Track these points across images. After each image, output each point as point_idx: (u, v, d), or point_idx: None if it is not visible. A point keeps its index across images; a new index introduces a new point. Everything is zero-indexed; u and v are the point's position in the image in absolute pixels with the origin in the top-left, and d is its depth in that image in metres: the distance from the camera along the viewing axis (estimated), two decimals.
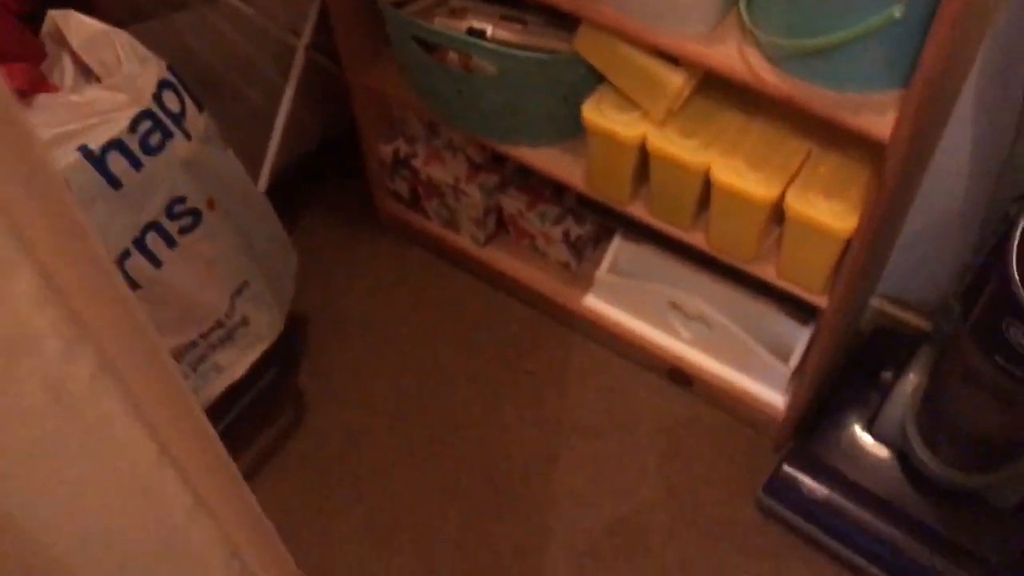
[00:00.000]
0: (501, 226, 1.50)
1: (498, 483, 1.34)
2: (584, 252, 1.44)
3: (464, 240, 1.51)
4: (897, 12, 0.81)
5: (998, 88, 1.04)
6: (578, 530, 1.29)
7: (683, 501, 1.31)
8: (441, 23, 1.17)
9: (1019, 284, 0.84)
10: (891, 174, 0.91)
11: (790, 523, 1.25)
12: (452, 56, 1.18)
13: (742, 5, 0.93)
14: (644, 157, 1.12)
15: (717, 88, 1.08)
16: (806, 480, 1.23)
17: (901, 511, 1.19)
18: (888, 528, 1.19)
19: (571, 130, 1.21)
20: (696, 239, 1.17)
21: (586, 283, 1.42)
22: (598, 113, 1.11)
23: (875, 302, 1.38)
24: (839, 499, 1.21)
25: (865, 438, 1.24)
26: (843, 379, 1.30)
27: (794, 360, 1.26)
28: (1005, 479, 1.14)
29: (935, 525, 1.17)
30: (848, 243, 1.01)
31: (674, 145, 1.07)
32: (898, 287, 1.35)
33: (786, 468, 1.25)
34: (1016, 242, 0.84)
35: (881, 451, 1.23)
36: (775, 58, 0.93)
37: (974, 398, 1.00)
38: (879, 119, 0.89)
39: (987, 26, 0.99)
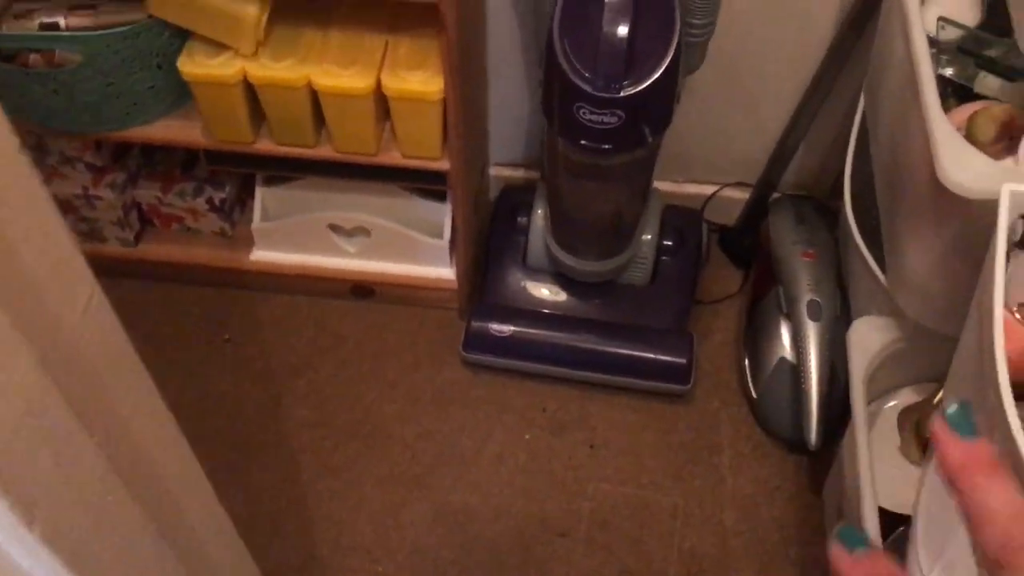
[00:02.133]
0: (146, 220, 1.53)
1: (239, 444, 1.39)
2: (234, 214, 1.52)
3: (113, 247, 1.52)
4: None
5: None
6: (323, 449, 1.39)
7: (402, 390, 1.45)
8: (10, 27, 1.18)
9: (571, 72, 1.04)
10: (451, 31, 1.09)
11: (494, 366, 1.44)
12: (34, 58, 1.20)
13: None
14: (251, 92, 1.22)
15: (291, 10, 1.20)
16: (492, 325, 1.41)
17: (571, 316, 1.41)
18: (566, 334, 1.40)
19: (178, 95, 1.28)
20: (325, 151, 1.29)
21: (247, 241, 1.50)
22: (193, 64, 1.19)
23: (494, 171, 1.59)
24: (523, 328, 1.41)
25: (525, 273, 1.45)
26: (493, 237, 1.50)
27: (446, 233, 1.43)
28: (630, 259, 1.39)
29: (597, 316, 1.41)
30: (443, 104, 1.19)
31: (272, 70, 1.19)
32: (508, 153, 1.57)
33: (474, 323, 1.42)
34: (557, 30, 1.04)
35: (540, 276, 1.44)
36: None
37: (580, 189, 1.23)
38: None
39: None
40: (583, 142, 1.11)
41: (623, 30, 1.02)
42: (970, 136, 0.87)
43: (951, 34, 0.94)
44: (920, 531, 0.91)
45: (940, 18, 0.95)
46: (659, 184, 1.53)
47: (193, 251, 1.52)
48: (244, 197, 1.52)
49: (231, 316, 1.53)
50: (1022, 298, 0.78)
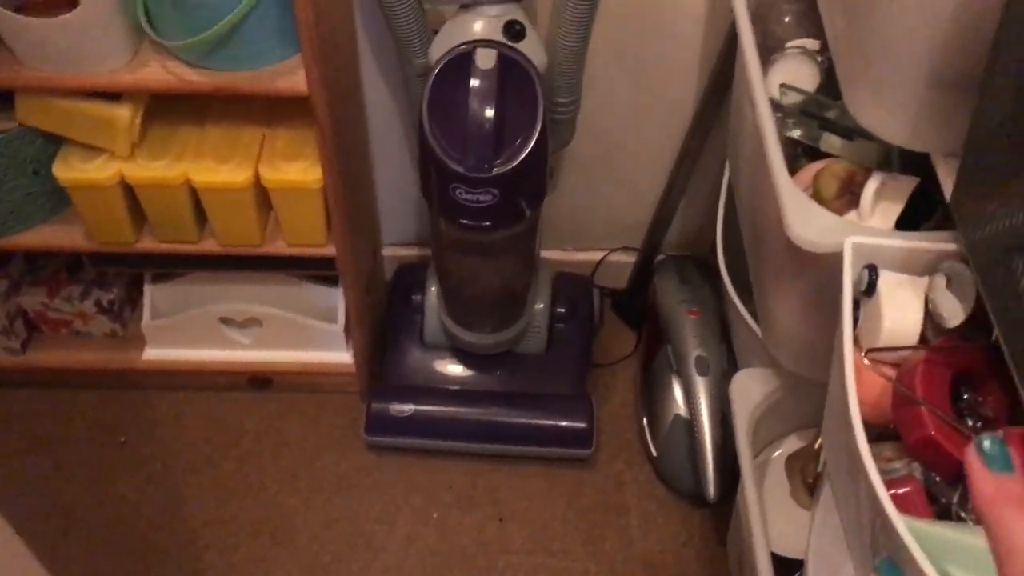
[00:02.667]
0: (33, 327, 1.49)
1: (142, 549, 1.35)
2: (124, 314, 1.50)
3: (0, 356, 1.48)
4: None
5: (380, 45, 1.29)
6: (227, 547, 1.36)
7: (306, 480, 1.43)
8: None
9: (443, 155, 1.08)
10: (324, 121, 1.12)
11: (398, 447, 1.43)
12: None
13: (146, 28, 1.07)
14: (130, 192, 1.22)
15: (166, 108, 1.21)
16: (393, 406, 1.41)
17: (471, 389, 1.43)
18: (466, 408, 1.41)
19: (57, 200, 1.28)
20: (209, 246, 1.29)
21: (139, 340, 1.48)
22: (69, 169, 1.19)
23: (388, 251, 1.61)
24: (424, 406, 1.41)
25: (423, 350, 1.46)
26: (390, 317, 1.50)
27: (340, 317, 1.44)
28: (525, 329, 1.41)
29: (497, 387, 1.43)
30: (324, 191, 1.21)
31: (149, 170, 1.19)
32: (401, 233, 1.59)
33: (374, 406, 1.42)
34: (426, 115, 1.08)
35: (438, 352, 1.45)
36: (193, 60, 1.09)
37: (467, 264, 1.25)
38: (293, 78, 1.09)
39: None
40: (463, 221, 1.13)
41: (490, 112, 1.06)
42: (816, 193, 0.93)
43: (793, 99, 1.00)
44: (811, 572, 0.94)
45: (782, 85, 1.01)
46: (549, 253, 1.57)
47: (83, 355, 1.49)
48: (134, 295, 1.51)
49: (126, 417, 1.50)
50: (874, 344, 0.82)
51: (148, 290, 1.44)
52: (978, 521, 0.37)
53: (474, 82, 1.06)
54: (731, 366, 1.33)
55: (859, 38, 0.83)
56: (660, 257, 1.56)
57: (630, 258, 1.59)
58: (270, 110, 1.24)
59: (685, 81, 1.34)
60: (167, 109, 1.22)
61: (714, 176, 1.42)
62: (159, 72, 1.10)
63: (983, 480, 0.37)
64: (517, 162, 1.08)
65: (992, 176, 0.73)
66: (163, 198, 1.22)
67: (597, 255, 1.60)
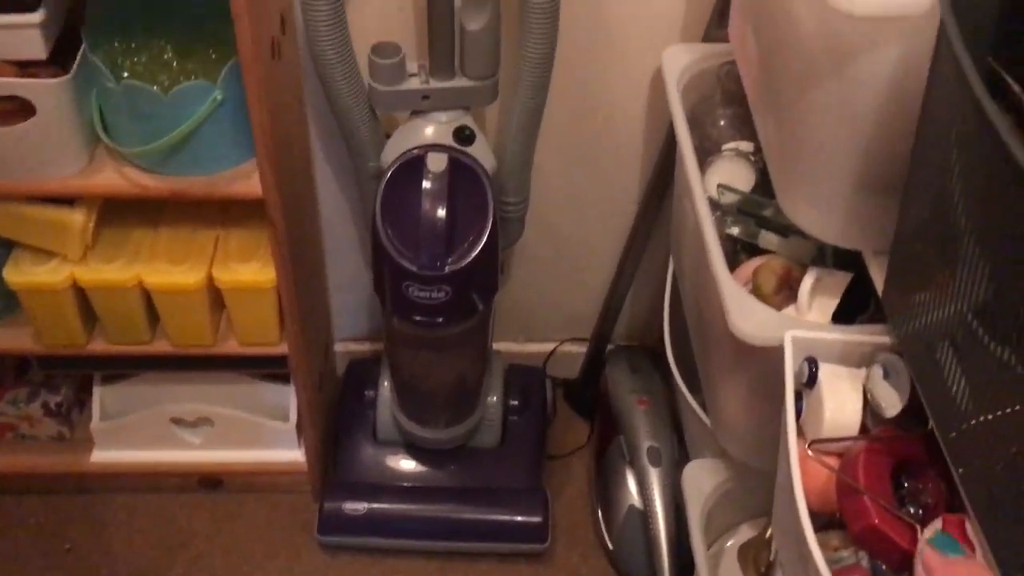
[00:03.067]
0: None
1: None
2: (72, 415, 1.48)
3: None
4: (218, 96, 1.04)
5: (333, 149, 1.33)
6: None
7: None
8: None
9: (396, 254, 1.10)
10: (279, 223, 1.14)
11: (352, 546, 1.42)
12: None
13: (102, 135, 1.09)
14: (82, 294, 1.22)
15: (119, 211, 1.23)
16: (346, 505, 1.40)
17: (425, 486, 1.42)
18: (421, 505, 1.41)
19: (5, 303, 1.27)
20: (161, 346, 1.29)
21: (87, 442, 1.45)
22: (20, 273, 1.19)
23: (340, 346, 1.62)
24: (377, 505, 1.40)
25: (376, 447, 1.46)
26: (342, 413, 1.50)
27: (292, 416, 1.43)
28: (478, 423, 1.42)
29: (451, 483, 1.42)
30: (277, 291, 1.22)
31: (102, 272, 1.19)
32: (353, 327, 1.60)
33: (327, 505, 1.41)
34: (379, 216, 1.11)
35: (392, 449, 1.45)
36: (148, 166, 1.11)
37: (421, 360, 1.27)
38: (248, 182, 1.11)
39: (303, 96, 1.28)
40: (416, 318, 1.15)
41: (441, 212, 1.09)
42: (756, 289, 0.97)
43: (730, 199, 1.05)
44: None
45: (720, 185, 1.06)
46: (501, 344, 1.59)
47: (29, 459, 1.46)
48: (83, 396, 1.49)
49: (72, 523, 1.46)
50: (816, 435, 0.85)
51: (98, 391, 1.43)
52: None
53: (426, 184, 1.09)
54: (683, 456, 1.35)
55: (788, 144, 0.89)
56: (611, 347, 1.59)
57: (581, 348, 1.62)
58: (224, 211, 1.26)
59: (630, 177, 1.39)
60: (121, 211, 1.23)
61: (660, 266, 1.46)
62: (114, 178, 1.11)
63: (937, 567, 0.41)
64: (469, 260, 1.11)
65: (917, 273, 0.77)
66: (115, 300, 1.22)
67: (549, 346, 1.62)
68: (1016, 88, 0.64)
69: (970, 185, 0.63)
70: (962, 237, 0.64)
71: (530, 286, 1.54)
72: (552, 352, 1.62)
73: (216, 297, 1.25)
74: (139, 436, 1.44)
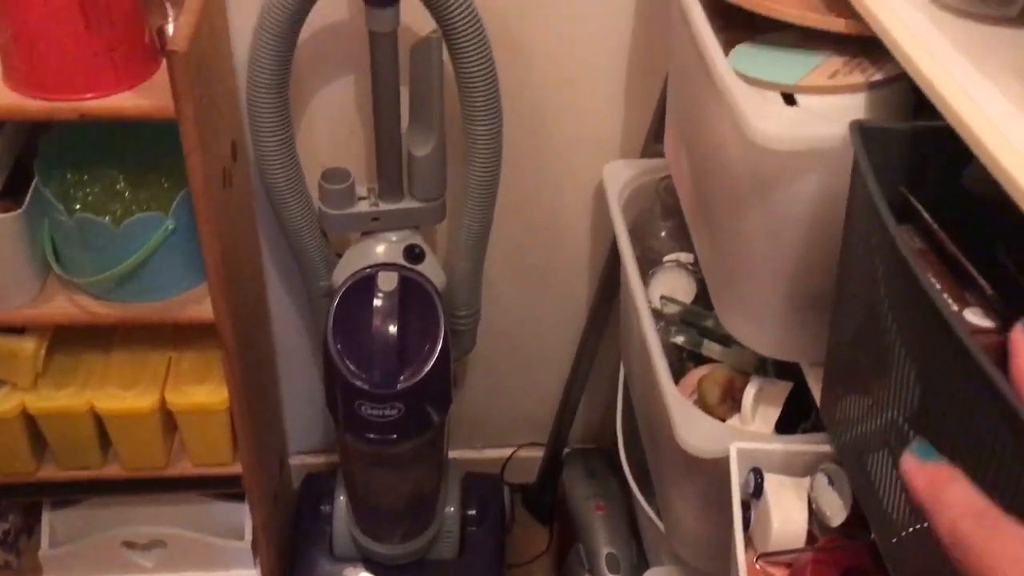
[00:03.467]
0: None
1: None
2: (20, 542, 1.44)
3: None
4: (170, 225, 1.06)
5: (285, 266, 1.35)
6: None
7: None
8: None
9: (347, 372, 1.11)
10: (230, 345, 1.15)
11: None
12: None
13: (55, 266, 1.10)
14: (32, 422, 1.21)
15: (71, 336, 1.23)
16: None
17: None
18: None
19: None
20: (113, 471, 1.28)
21: (35, 570, 1.42)
22: None
23: (296, 460, 1.61)
24: None
25: (333, 563, 1.44)
26: (298, 529, 1.48)
27: (247, 534, 1.41)
28: (436, 535, 1.42)
29: None
30: (230, 412, 1.22)
31: (53, 399, 1.19)
32: (308, 440, 1.60)
33: None
34: (331, 335, 1.12)
35: (350, 564, 1.43)
36: (100, 294, 1.12)
37: (375, 475, 1.27)
38: (199, 307, 1.12)
39: (255, 217, 1.30)
40: (369, 436, 1.16)
41: (392, 330, 1.11)
42: (700, 400, 0.99)
43: (672, 309, 1.08)
44: None
45: (662, 296, 1.09)
46: (458, 452, 1.59)
47: None
48: (31, 522, 1.46)
49: None
50: (765, 547, 0.86)
51: (47, 517, 1.40)
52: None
53: (377, 302, 1.11)
54: (643, 562, 1.35)
55: (722, 262, 0.92)
56: (568, 450, 1.60)
57: (538, 453, 1.63)
58: (176, 333, 1.27)
59: (579, 285, 1.42)
60: (72, 336, 1.23)
61: (614, 368, 1.48)
62: (66, 306, 1.12)
63: (917, 476, 0.43)
64: (421, 376, 1.12)
65: (852, 383, 0.80)
66: (66, 427, 1.21)
67: (506, 451, 1.63)
68: (926, 215, 0.68)
69: (891, 298, 0.67)
70: (891, 345, 0.67)
71: (485, 393, 1.55)
72: (510, 457, 1.63)
73: (169, 419, 1.24)
74: (90, 562, 1.40)
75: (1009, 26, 0.68)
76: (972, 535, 0.40)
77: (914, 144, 0.72)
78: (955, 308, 0.65)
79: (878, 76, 0.77)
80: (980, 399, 0.54)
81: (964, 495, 0.42)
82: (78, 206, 1.07)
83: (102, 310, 1.11)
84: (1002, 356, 0.65)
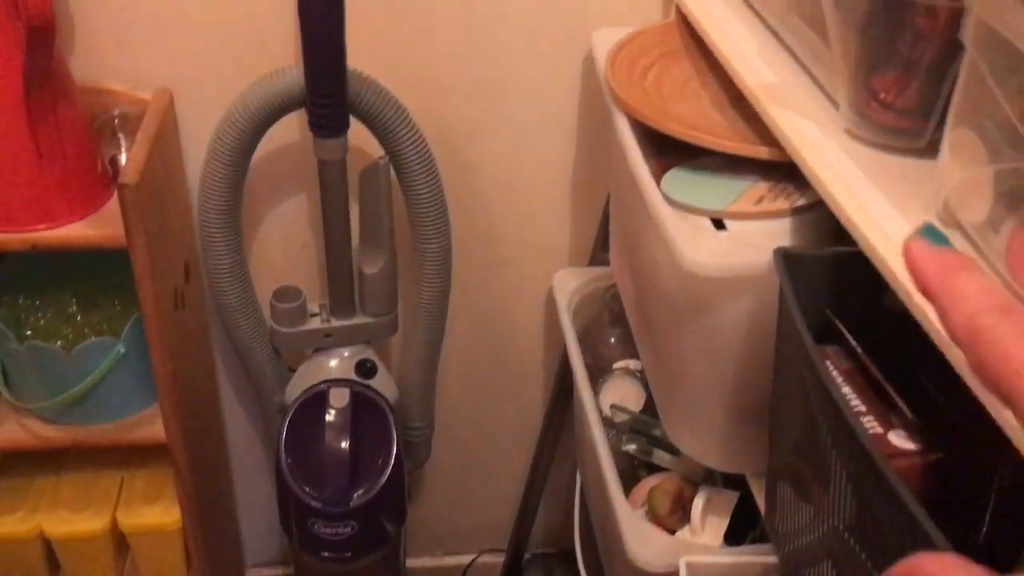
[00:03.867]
0: None
1: None
2: None
3: None
4: (122, 350, 1.06)
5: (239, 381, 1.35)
6: None
7: None
8: None
9: (300, 491, 1.11)
10: (183, 465, 1.14)
11: None
12: None
13: (5, 392, 1.10)
14: None
15: (20, 459, 1.22)
16: None
17: None
18: None
19: None
20: None
21: None
22: None
23: (252, 573, 1.58)
24: None
25: None
26: None
27: None
28: None
29: None
30: (183, 531, 1.21)
31: (1, 526, 1.17)
32: (265, 552, 1.58)
33: None
34: (283, 453, 1.12)
35: None
36: (52, 418, 1.11)
37: None
38: (151, 428, 1.12)
39: (209, 334, 1.31)
40: (324, 554, 1.15)
41: (345, 446, 1.11)
42: (651, 510, 1.00)
43: (622, 418, 1.10)
44: None
45: (612, 405, 1.11)
46: (418, 561, 1.58)
47: None
48: None
49: None
50: None
51: None
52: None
53: (329, 419, 1.12)
54: None
55: (665, 375, 0.95)
56: (528, 556, 1.59)
57: (499, 559, 1.61)
58: (129, 453, 1.26)
59: (534, 390, 1.44)
60: (21, 460, 1.22)
61: (571, 471, 1.49)
62: (15, 430, 1.11)
63: (926, 258, 0.40)
64: (375, 492, 1.12)
65: (793, 493, 0.82)
66: (14, 553, 1.19)
67: (466, 558, 1.62)
68: (850, 338, 0.71)
69: (823, 414, 0.69)
70: (828, 457, 0.69)
71: (443, 500, 1.55)
72: (470, 564, 1.61)
73: (120, 540, 1.23)
74: None
75: (918, 157, 0.72)
76: (996, 330, 0.36)
77: (836, 268, 0.76)
78: (880, 431, 0.67)
79: (801, 201, 0.81)
80: (899, 519, 0.56)
81: (984, 286, 0.38)
82: (29, 331, 1.08)
83: (52, 433, 1.11)
84: (926, 477, 0.67)
